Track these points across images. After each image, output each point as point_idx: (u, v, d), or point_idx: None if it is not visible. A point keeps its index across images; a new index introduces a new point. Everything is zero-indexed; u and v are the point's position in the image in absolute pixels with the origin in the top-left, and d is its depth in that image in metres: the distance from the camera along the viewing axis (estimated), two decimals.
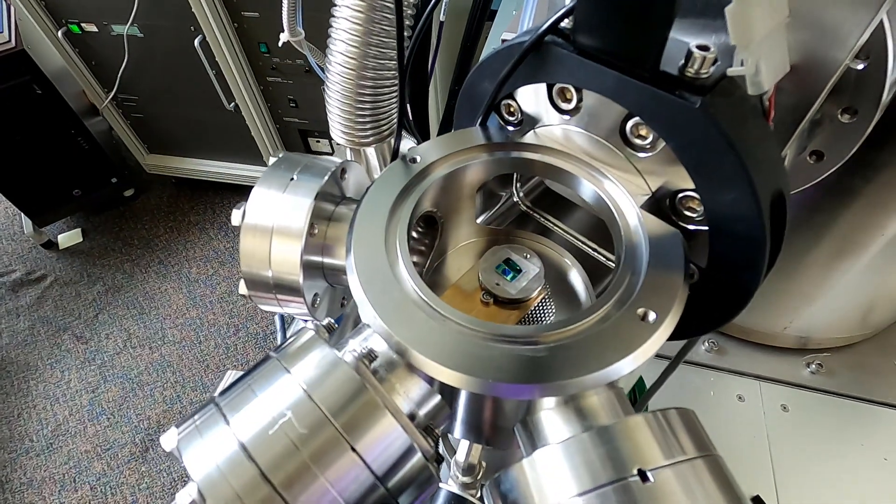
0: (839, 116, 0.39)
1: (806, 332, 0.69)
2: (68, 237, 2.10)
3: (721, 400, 0.68)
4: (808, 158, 0.43)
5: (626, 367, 0.25)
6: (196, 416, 0.24)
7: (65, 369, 1.77)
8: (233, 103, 1.69)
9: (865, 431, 0.66)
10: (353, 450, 0.22)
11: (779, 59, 0.27)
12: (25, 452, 1.60)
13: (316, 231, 0.37)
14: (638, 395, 0.58)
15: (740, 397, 0.68)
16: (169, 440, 0.23)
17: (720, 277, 0.31)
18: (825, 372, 0.70)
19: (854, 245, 0.57)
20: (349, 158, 0.60)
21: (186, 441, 0.23)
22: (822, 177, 0.44)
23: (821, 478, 0.61)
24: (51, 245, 2.07)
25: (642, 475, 0.20)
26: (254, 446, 0.22)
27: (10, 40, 1.56)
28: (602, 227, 0.34)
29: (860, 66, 0.35)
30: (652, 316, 0.26)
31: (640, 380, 0.60)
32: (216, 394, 0.26)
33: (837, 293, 0.63)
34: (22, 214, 1.97)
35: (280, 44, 0.62)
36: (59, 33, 1.60)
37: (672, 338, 0.28)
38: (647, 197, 0.32)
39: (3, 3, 1.64)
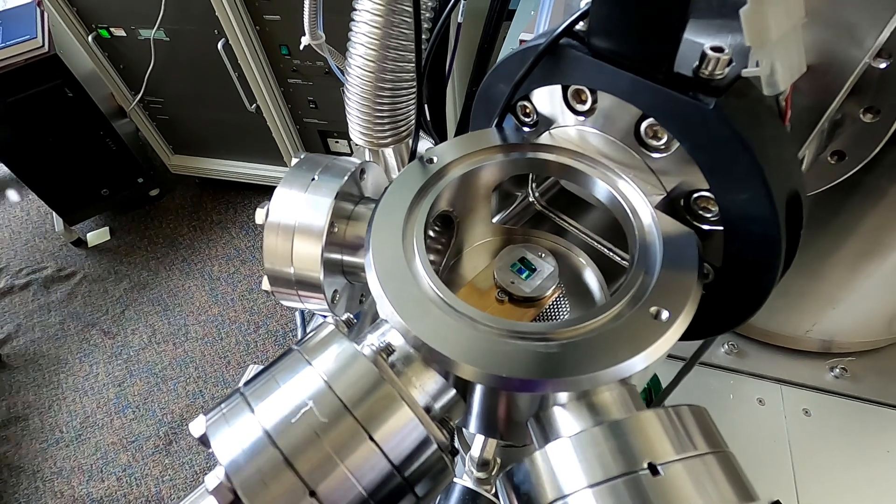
0: (861, 116, 0.38)
1: (829, 335, 0.68)
2: (97, 235, 2.17)
3: (741, 403, 0.67)
4: (829, 159, 0.42)
5: (639, 364, 0.25)
6: (223, 405, 0.25)
7: (93, 363, 1.83)
8: (254, 105, 1.73)
9: (891, 438, 0.64)
10: (371, 439, 0.23)
11: (795, 59, 0.27)
12: (56, 443, 1.66)
13: (336, 230, 0.38)
14: (654, 395, 0.58)
15: (761, 401, 0.67)
16: (197, 427, 0.25)
17: (735, 277, 0.31)
18: (849, 376, 0.68)
19: (880, 246, 0.56)
20: (368, 159, 0.61)
21: (214, 427, 0.24)
22: (844, 177, 0.43)
23: (843, 485, 0.60)
24: (80, 243, 2.15)
25: (653, 469, 0.20)
26: (277, 433, 0.23)
27: (43, 45, 1.62)
28: (617, 226, 0.34)
29: (882, 66, 0.35)
30: (665, 314, 0.26)
31: (658, 381, 0.59)
32: (241, 384, 0.27)
33: (862, 296, 0.62)
34: (53, 213, 2.04)
35: (301, 47, 0.64)
36: (90, 38, 1.65)
37: (687, 338, 0.28)
38: (661, 197, 0.32)
39: (37, 9, 1.70)
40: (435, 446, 0.25)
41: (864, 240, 0.56)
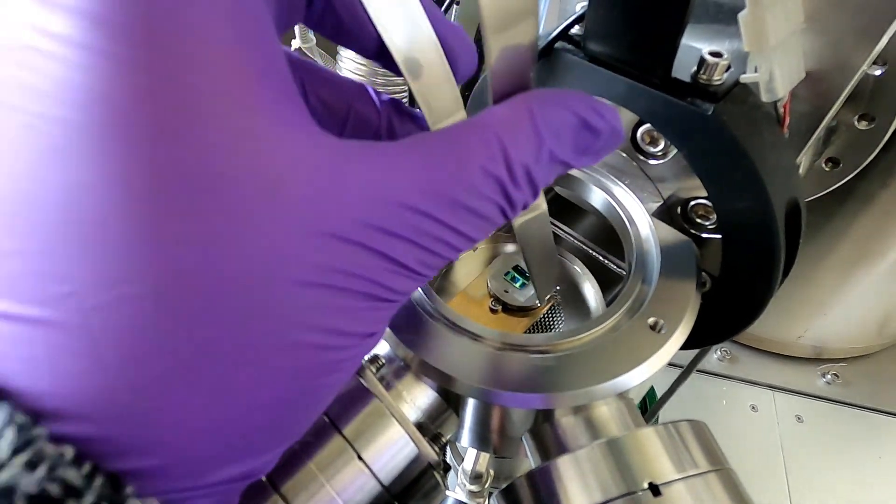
0: (856, 123, 0.38)
1: (821, 341, 0.68)
2: None
3: (734, 410, 0.67)
4: (823, 165, 0.42)
5: (637, 378, 0.24)
6: None
7: None
8: None
9: (883, 444, 0.64)
10: (360, 458, 0.22)
11: (794, 65, 0.27)
12: None
13: None
14: (649, 405, 0.57)
15: (753, 407, 0.67)
16: None
17: (733, 287, 0.30)
18: (841, 382, 0.69)
19: (871, 252, 0.56)
20: None
21: None
22: (839, 184, 0.43)
23: (837, 491, 0.60)
24: None
25: (653, 489, 0.20)
26: None
27: None
28: (612, 234, 0.33)
29: (878, 73, 0.35)
30: (663, 326, 0.26)
31: (652, 390, 0.59)
32: None
33: (854, 302, 0.62)
34: None
35: (292, 50, 0.63)
36: None
37: (684, 347, 0.28)
38: (658, 204, 0.32)
39: None
40: (426, 464, 0.24)
41: (855, 246, 0.56)
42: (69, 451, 0.11)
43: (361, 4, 0.15)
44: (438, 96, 0.17)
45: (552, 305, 0.34)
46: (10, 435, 0.11)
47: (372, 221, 0.13)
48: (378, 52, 0.19)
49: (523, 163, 0.15)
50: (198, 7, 0.12)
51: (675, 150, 0.29)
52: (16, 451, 0.11)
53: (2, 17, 0.12)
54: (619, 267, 0.36)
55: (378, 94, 0.21)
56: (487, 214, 0.15)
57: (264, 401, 0.14)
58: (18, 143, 0.11)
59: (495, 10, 0.15)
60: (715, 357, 0.71)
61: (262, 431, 0.15)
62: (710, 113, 0.25)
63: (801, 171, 0.40)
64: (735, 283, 0.30)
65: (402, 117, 0.21)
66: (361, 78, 0.63)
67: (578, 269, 0.37)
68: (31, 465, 0.11)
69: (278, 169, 0.13)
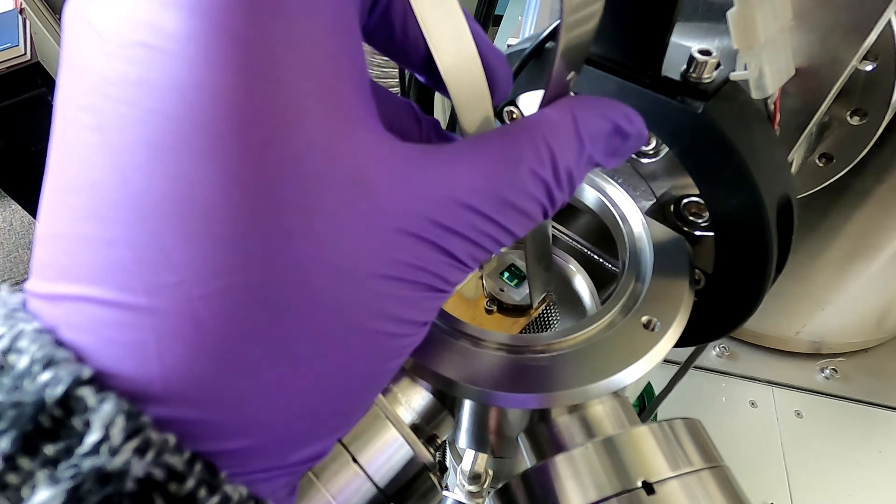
0: (848, 119, 0.38)
1: (819, 336, 0.68)
2: None
3: (733, 406, 0.67)
4: (817, 161, 0.42)
5: (631, 376, 0.24)
6: None
7: None
8: None
9: (883, 438, 0.64)
10: (355, 461, 0.22)
11: (783, 62, 0.27)
12: None
13: None
14: (647, 402, 0.57)
15: (753, 403, 0.67)
16: None
17: (727, 284, 0.30)
18: (840, 377, 0.69)
19: (867, 247, 0.56)
20: None
21: None
22: (833, 179, 0.43)
23: (837, 485, 0.60)
24: None
25: (647, 487, 0.20)
26: None
27: (25, 53, 1.59)
28: (606, 232, 0.33)
29: (868, 68, 0.35)
30: (657, 324, 0.26)
31: (650, 388, 0.59)
32: None
33: (851, 297, 0.62)
34: (35, 223, 2.00)
35: None
36: None
37: (680, 344, 0.28)
38: (651, 202, 0.32)
39: (19, 17, 1.67)
40: (421, 465, 0.24)
41: (851, 241, 0.56)
42: (172, 439, 0.12)
43: (415, 21, 0.16)
44: (474, 111, 0.18)
45: (547, 304, 0.34)
46: (120, 422, 0.11)
47: (435, 218, 0.15)
48: (422, 66, 0.19)
49: (567, 166, 0.17)
50: (303, 14, 0.13)
51: (666, 149, 0.29)
52: (127, 438, 0.11)
53: (112, 14, 0.12)
54: (613, 265, 0.36)
55: (422, 114, 0.22)
56: (532, 213, 0.17)
57: (344, 383, 0.15)
58: (128, 137, 0.12)
59: (574, 6, 0.17)
60: (714, 354, 0.71)
61: (338, 412, 0.16)
62: (700, 111, 0.25)
63: (794, 167, 0.40)
64: (729, 279, 0.30)
65: (440, 138, 0.22)
66: None
67: (573, 267, 0.37)
68: (141, 451, 0.12)
69: (365, 171, 0.14)
